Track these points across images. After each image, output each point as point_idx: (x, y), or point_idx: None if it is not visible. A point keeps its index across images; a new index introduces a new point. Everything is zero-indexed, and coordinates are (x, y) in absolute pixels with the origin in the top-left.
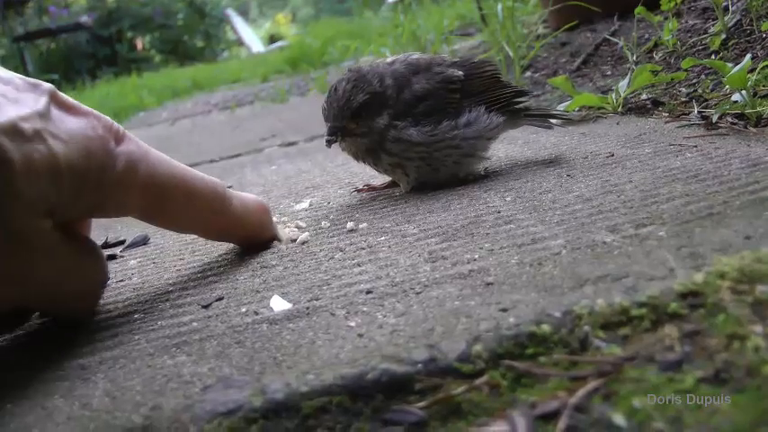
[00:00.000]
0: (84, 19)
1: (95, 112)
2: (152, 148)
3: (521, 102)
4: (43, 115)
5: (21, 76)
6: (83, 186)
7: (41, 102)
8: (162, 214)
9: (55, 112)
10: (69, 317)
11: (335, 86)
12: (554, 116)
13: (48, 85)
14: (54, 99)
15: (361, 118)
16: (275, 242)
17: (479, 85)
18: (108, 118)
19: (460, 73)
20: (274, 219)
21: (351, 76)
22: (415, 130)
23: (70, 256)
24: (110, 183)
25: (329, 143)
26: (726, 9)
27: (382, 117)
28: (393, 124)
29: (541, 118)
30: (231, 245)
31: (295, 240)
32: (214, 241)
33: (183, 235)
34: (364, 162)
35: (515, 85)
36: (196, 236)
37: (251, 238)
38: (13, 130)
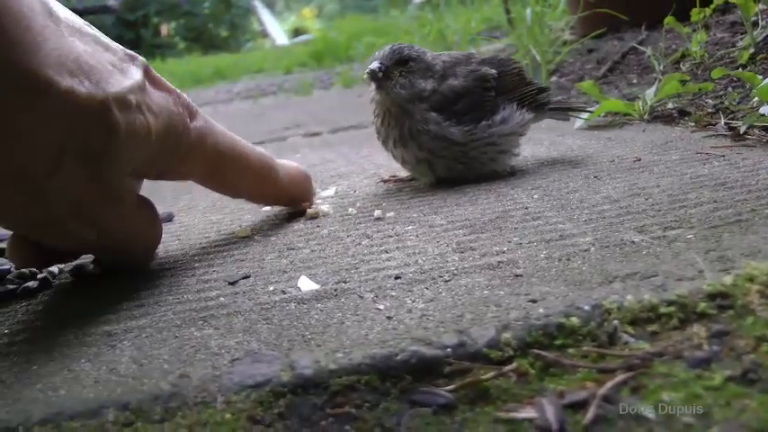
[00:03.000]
0: (111, 2)
1: (176, 89)
2: (216, 123)
3: (544, 98)
4: (142, 88)
5: (119, 45)
6: (162, 152)
7: (139, 74)
8: (219, 180)
9: (149, 85)
10: (121, 265)
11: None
12: (575, 109)
13: (142, 59)
14: (146, 73)
15: (406, 67)
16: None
17: (509, 82)
18: (185, 96)
19: (494, 71)
20: None
21: (408, 44)
22: (457, 129)
23: (141, 213)
24: (183, 151)
25: (371, 74)
26: (755, 24)
27: (427, 82)
28: (435, 120)
29: (563, 111)
30: (256, 224)
31: (316, 216)
32: (262, 205)
33: (208, 214)
34: (385, 145)
35: (537, 82)
36: (243, 205)
37: (294, 203)
38: (122, 101)
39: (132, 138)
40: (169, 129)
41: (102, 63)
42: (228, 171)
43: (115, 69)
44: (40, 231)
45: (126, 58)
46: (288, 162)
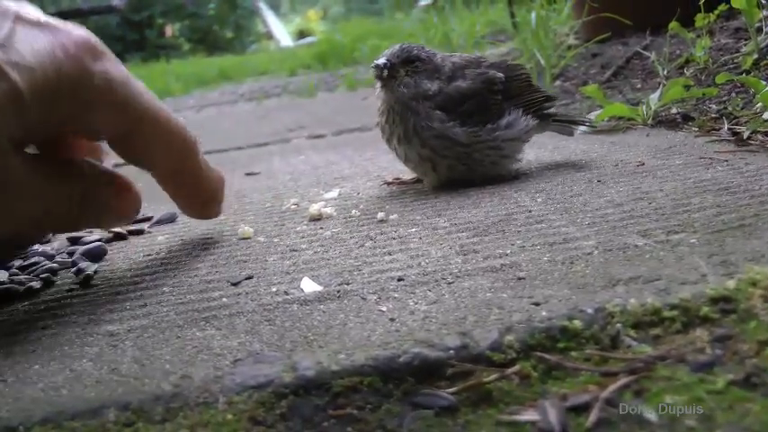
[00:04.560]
0: (117, 2)
1: (69, 25)
2: (134, 77)
3: (549, 107)
4: (4, 45)
5: None
6: (54, 105)
7: (4, 29)
8: (133, 142)
9: (21, 34)
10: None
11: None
12: (579, 122)
13: (13, 7)
14: (20, 20)
15: (412, 67)
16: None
17: (516, 88)
18: (83, 32)
19: (501, 75)
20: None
21: (418, 44)
22: (461, 130)
23: (41, 185)
24: (85, 98)
25: (375, 68)
26: (759, 30)
27: (432, 83)
28: (440, 118)
29: (567, 124)
30: (259, 225)
31: (320, 218)
32: (171, 195)
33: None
34: (389, 143)
35: (545, 90)
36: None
37: (203, 202)
38: None
39: None
40: (59, 75)
41: None
42: (144, 132)
43: None
44: None
45: None
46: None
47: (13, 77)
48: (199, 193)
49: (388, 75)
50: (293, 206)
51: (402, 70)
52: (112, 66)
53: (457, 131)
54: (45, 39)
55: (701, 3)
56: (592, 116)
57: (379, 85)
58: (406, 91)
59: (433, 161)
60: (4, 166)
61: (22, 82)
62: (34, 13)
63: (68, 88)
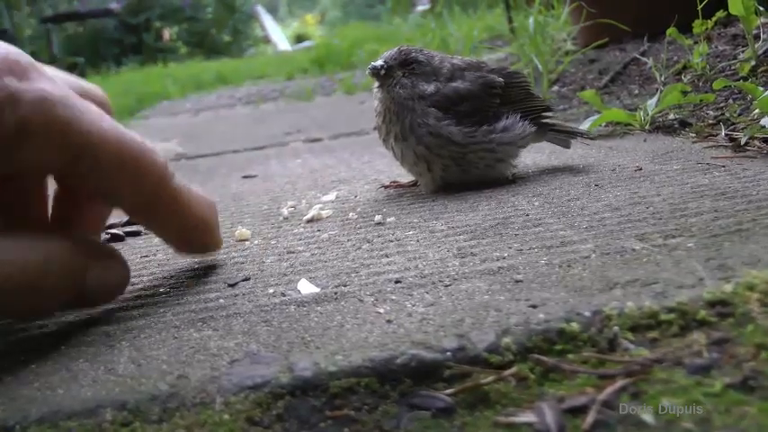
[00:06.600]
0: (114, 5)
1: None
2: (78, 96)
3: (547, 116)
4: None
5: None
6: None
7: None
8: (85, 173)
9: None
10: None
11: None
12: (577, 134)
13: None
14: None
15: (409, 68)
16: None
17: (516, 94)
18: (11, 48)
19: (501, 80)
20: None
21: (417, 47)
22: (457, 129)
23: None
24: (9, 128)
25: (372, 70)
26: (756, 36)
27: (429, 85)
28: (435, 115)
29: (565, 135)
30: (256, 227)
31: (314, 219)
32: (147, 227)
33: None
34: (386, 143)
35: (543, 100)
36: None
37: (192, 231)
38: None
39: None
40: None
41: None
42: (98, 159)
43: None
44: None
45: None
46: (193, 187)
47: None
48: (184, 222)
49: (385, 75)
50: (290, 208)
51: (399, 72)
52: (47, 84)
53: (452, 130)
54: None
55: (698, 9)
56: (589, 121)
57: (376, 86)
58: (403, 92)
59: (428, 160)
60: None
61: None
62: None
63: None
